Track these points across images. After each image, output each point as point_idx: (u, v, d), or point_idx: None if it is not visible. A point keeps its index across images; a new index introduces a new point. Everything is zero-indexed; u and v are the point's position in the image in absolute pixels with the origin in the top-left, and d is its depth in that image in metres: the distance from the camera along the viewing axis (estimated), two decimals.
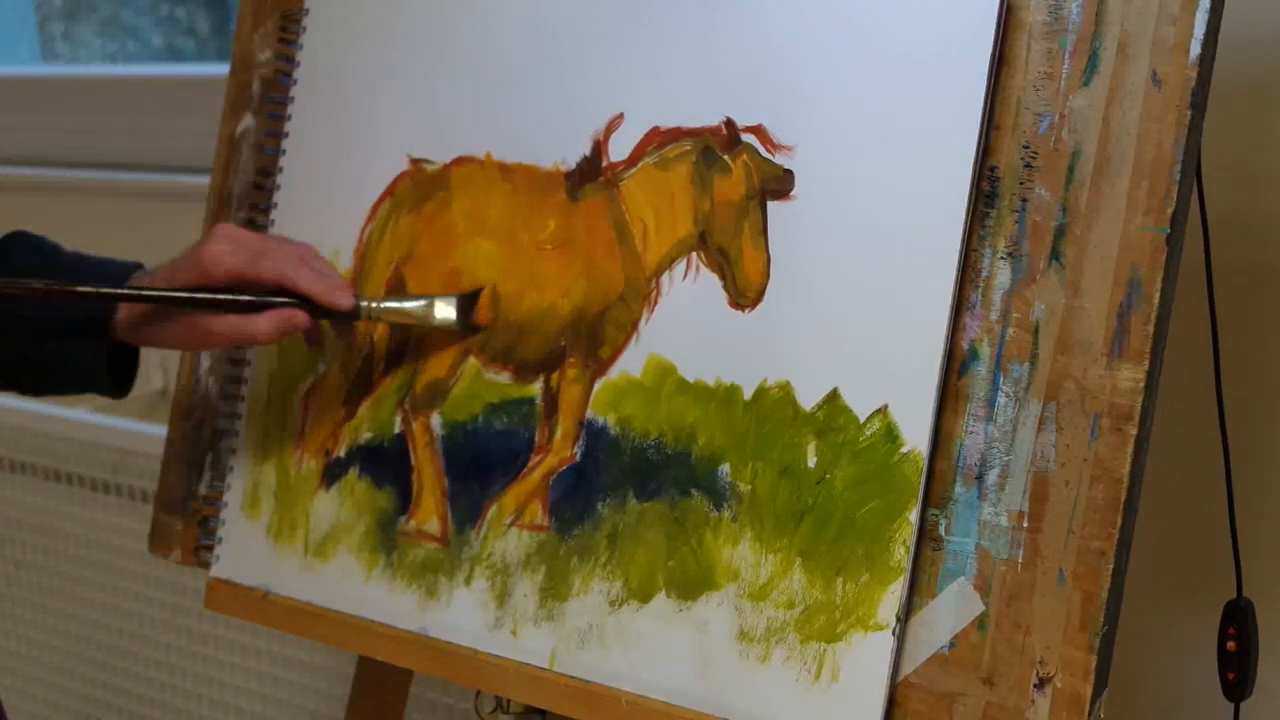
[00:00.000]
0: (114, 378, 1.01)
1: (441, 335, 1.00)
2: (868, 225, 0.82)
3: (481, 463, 0.97)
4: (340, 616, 1.02)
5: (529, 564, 0.93)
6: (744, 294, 0.87)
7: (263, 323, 0.94)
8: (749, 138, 0.87)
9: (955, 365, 0.79)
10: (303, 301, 0.95)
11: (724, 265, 0.88)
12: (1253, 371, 1.03)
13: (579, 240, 0.94)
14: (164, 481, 1.16)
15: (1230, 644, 0.88)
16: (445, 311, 0.98)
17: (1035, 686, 0.75)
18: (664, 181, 0.91)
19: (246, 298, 0.94)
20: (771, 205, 0.86)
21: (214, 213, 1.15)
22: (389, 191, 1.04)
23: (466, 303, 0.98)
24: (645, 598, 0.88)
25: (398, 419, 1.02)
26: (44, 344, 0.98)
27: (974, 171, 0.79)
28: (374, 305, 0.98)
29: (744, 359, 0.86)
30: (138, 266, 1.00)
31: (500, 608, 0.94)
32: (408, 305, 0.99)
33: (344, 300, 0.96)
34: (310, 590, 1.04)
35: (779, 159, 0.86)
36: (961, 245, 0.79)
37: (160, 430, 1.21)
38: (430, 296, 0.99)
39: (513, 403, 0.96)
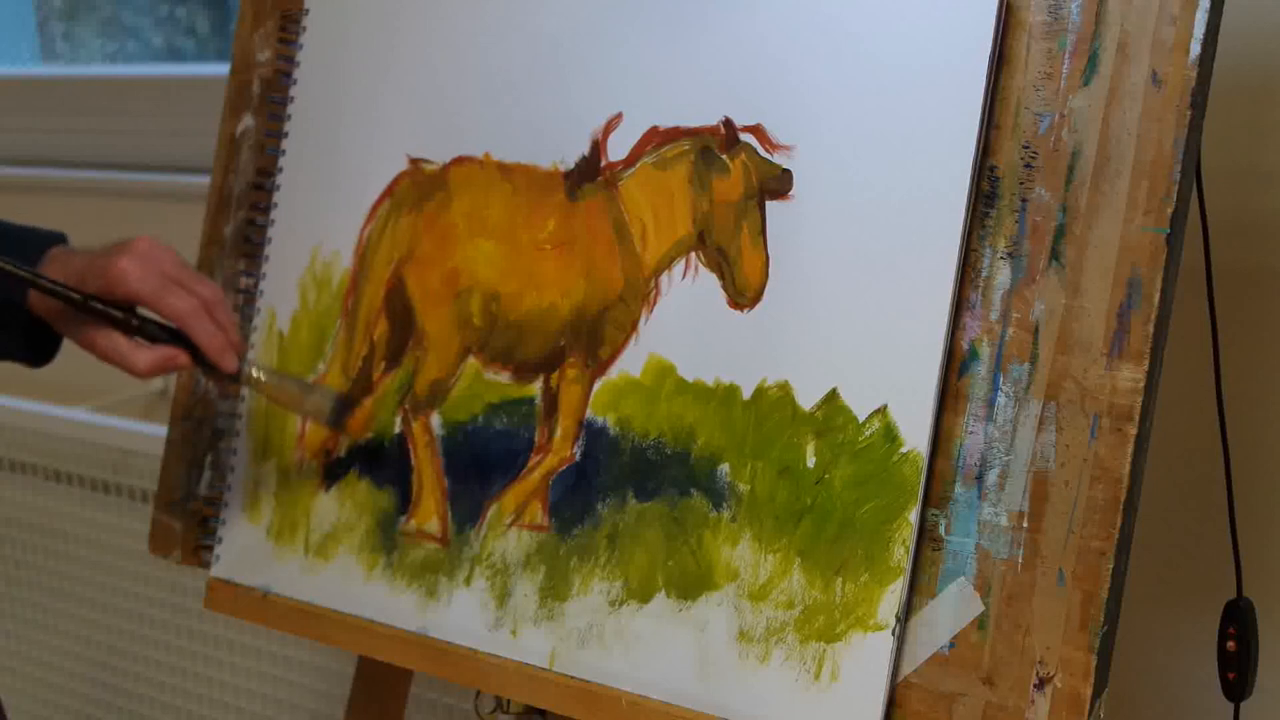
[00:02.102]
0: (33, 348, 1.01)
1: (444, 335, 1.00)
2: (867, 225, 0.82)
3: (481, 463, 0.97)
4: (340, 616, 1.02)
5: (529, 564, 0.93)
6: (743, 294, 0.87)
7: (143, 358, 0.94)
8: (748, 137, 0.87)
9: (955, 365, 0.79)
10: (188, 345, 0.95)
11: (723, 265, 0.88)
12: (1253, 371, 1.03)
13: (578, 240, 0.94)
14: (164, 481, 1.16)
15: (1230, 644, 0.88)
16: (320, 403, 1.01)
17: (1035, 686, 0.75)
18: (663, 181, 0.91)
19: (136, 322, 0.94)
20: (770, 205, 0.86)
21: (214, 212, 1.15)
22: (388, 191, 1.04)
23: (344, 401, 1.01)
24: (645, 598, 0.88)
25: (398, 419, 1.02)
26: None
27: (974, 171, 0.79)
28: (256, 375, 1.00)
29: (743, 359, 0.86)
30: (61, 238, 0.99)
31: (500, 608, 0.94)
32: (286, 385, 1.02)
33: (229, 363, 0.97)
34: (311, 590, 1.04)
35: (778, 159, 0.86)
36: (961, 245, 0.79)
37: (160, 430, 1.21)
38: (313, 385, 1.02)
39: (513, 403, 0.96)
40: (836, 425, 0.82)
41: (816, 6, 0.85)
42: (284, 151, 1.11)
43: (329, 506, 1.04)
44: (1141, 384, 0.74)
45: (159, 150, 1.75)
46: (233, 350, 0.97)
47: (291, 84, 1.11)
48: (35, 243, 0.99)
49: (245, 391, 1.10)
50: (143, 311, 0.95)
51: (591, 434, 0.92)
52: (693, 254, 0.89)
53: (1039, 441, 0.76)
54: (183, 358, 0.95)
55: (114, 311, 0.93)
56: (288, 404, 1.02)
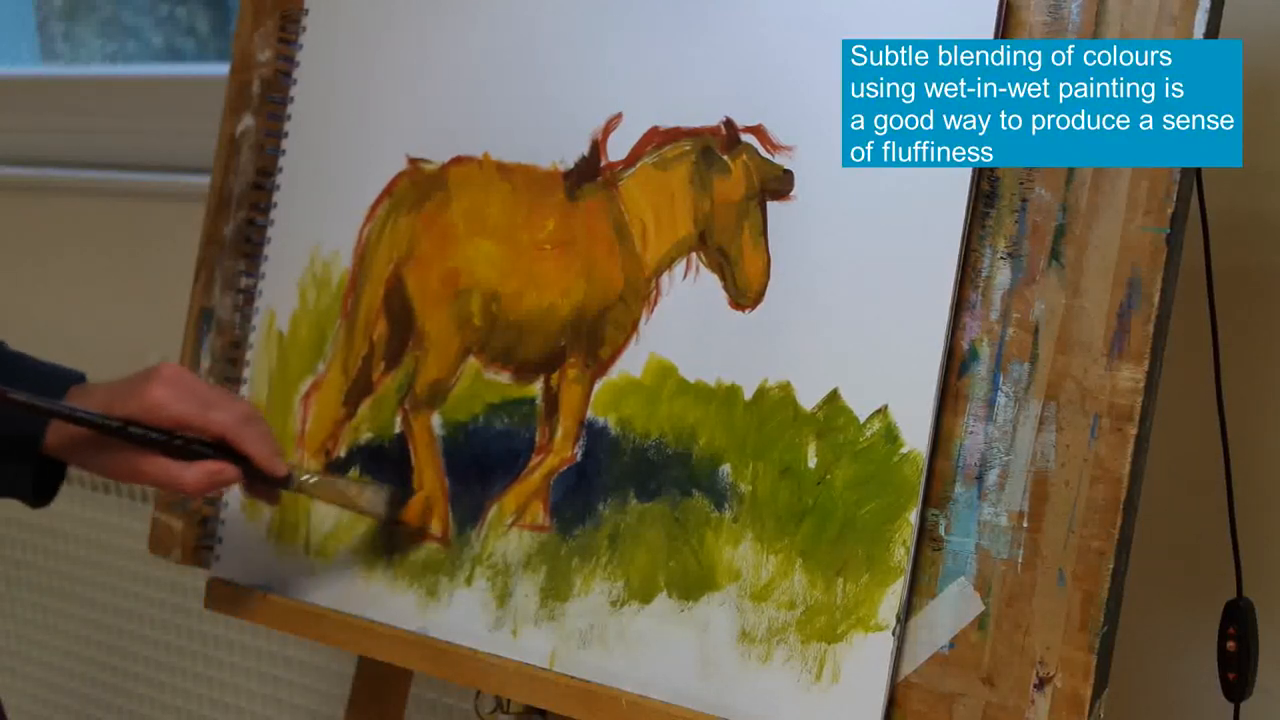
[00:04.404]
0: (37, 489, 0.99)
1: (444, 335, 1.00)
2: (867, 225, 0.82)
3: (482, 463, 0.97)
4: (340, 616, 1.02)
5: (530, 564, 0.93)
6: (744, 294, 0.87)
7: (191, 474, 0.92)
8: (749, 138, 0.87)
9: (955, 365, 0.79)
10: (235, 458, 0.94)
11: (724, 265, 0.88)
12: (1253, 371, 1.03)
13: (578, 240, 0.94)
14: None
15: (1230, 644, 0.88)
16: (374, 502, 0.99)
17: (1035, 686, 0.76)
18: (663, 181, 0.91)
19: (179, 442, 0.92)
20: (771, 205, 0.86)
21: (214, 212, 1.15)
22: (387, 191, 1.04)
23: (397, 497, 0.99)
24: (646, 598, 0.88)
25: (398, 419, 1.02)
26: None
27: (974, 171, 0.79)
28: (306, 479, 0.98)
29: (744, 359, 0.86)
30: (81, 378, 0.98)
31: (501, 608, 0.94)
32: (339, 485, 1.00)
33: (280, 468, 0.96)
34: (311, 590, 1.04)
35: (779, 159, 0.86)
36: (961, 245, 0.79)
37: None
38: (363, 483, 1.00)
39: (513, 403, 0.96)
40: (837, 426, 0.82)
41: (816, 6, 0.85)
42: (284, 151, 1.11)
43: (330, 506, 1.04)
44: (1141, 384, 0.74)
45: (159, 150, 1.74)
46: (280, 456, 0.96)
47: (291, 84, 1.11)
48: (56, 380, 0.97)
49: (246, 391, 1.10)
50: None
51: (592, 434, 0.92)
52: (693, 254, 0.89)
53: (1039, 441, 0.76)
54: (230, 471, 0.93)
55: (154, 435, 0.92)
56: (340, 504, 1.01)
